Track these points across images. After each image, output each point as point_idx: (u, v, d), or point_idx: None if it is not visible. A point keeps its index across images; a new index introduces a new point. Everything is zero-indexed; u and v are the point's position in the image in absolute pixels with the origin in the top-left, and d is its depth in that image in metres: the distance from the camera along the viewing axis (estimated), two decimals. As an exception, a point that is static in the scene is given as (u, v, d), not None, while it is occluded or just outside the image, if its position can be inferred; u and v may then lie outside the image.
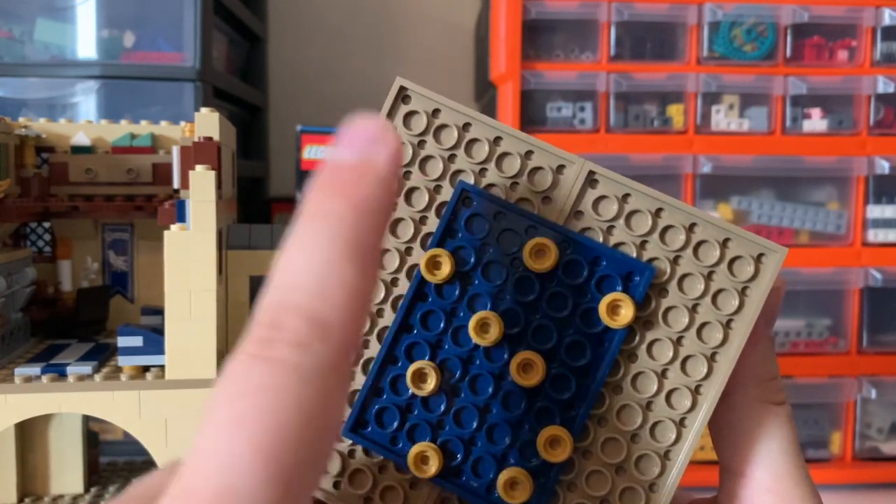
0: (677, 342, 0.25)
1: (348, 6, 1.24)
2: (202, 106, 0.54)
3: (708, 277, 0.25)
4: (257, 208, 1.10)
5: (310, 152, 0.95)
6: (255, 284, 0.52)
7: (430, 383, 0.25)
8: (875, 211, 0.92)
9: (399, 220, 0.26)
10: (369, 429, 0.26)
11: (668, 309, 0.25)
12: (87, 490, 0.56)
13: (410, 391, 0.25)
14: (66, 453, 0.56)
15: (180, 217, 0.47)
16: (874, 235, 0.92)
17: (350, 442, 0.26)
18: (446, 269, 0.25)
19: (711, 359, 0.25)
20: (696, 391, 0.25)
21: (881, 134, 0.91)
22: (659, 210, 0.25)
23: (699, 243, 0.25)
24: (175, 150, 0.50)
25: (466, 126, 0.26)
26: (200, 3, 0.82)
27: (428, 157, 0.26)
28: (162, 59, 0.83)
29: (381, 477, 0.26)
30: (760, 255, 0.25)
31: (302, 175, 0.96)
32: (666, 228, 0.25)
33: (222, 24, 0.96)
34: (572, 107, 0.91)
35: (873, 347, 0.94)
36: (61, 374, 0.46)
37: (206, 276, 0.45)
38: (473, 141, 0.26)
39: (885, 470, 0.94)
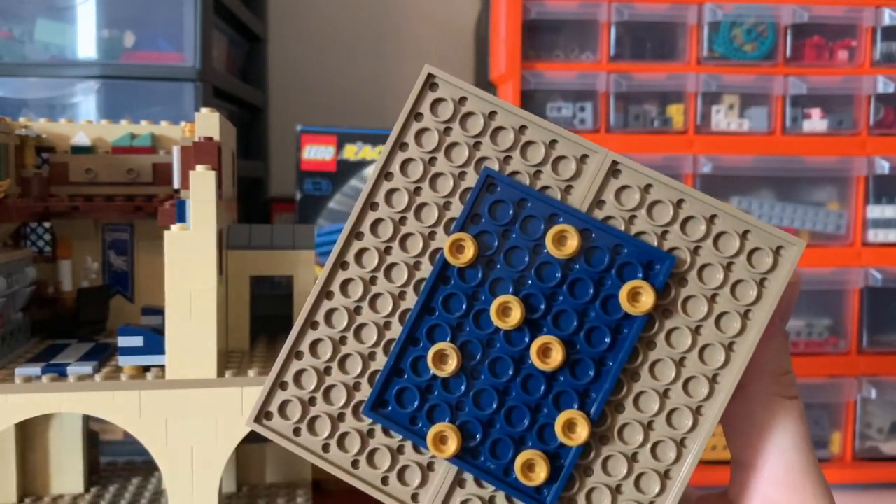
0: (696, 331, 0.25)
1: (348, 6, 1.24)
2: (202, 106, 0.54)
3: (727, 268, 0.25)
4: (257, 208, 1.09)
5: (310, 152, 0.94)
6: (255, 284, 0.52)
7: (451, 365, 0.25)
8: (875, 211, 0.92)
9: (423, 204, 0.26)
10: (389, 408, 0.26)
11: (688, 298, 0.25)
12: (87, 490, 0.56)
13: (431, 372, 0.26)
14: (66, 453, 0.56)
15: (180, 217, 0.46)
16: (874, 235, 0.92)
17: (370, 421, 0.26)
18: (470, 253, 0.25)
19: (729, 348, 0.25)
20: (713, 380, 0.25)
21: (881, 134, 0.91)
22: (680, 201, 0.25)
23: (719, 234, 0.25)
24: (175, 150, 0.49)
25: (492, 114, 0.26)
26: (200, 3, 0.82)
27: (454, 144, 0.26)
28: (162, 59, 0.83)
29: (400, 456, 0.26)
30: (779, 247, 0.25)
31: (302, 175, 0.96)
32: (687, 219, 0.25)
33: (222, 24, 0.96)
34: (572, 107, 0.91)
35: (873, 347, 0.94)
36: (61, 374, 0.45)
37: (206, 276, 0.45)
38: (499, 129, 0.26)
39: (885, 470, 0.94)
